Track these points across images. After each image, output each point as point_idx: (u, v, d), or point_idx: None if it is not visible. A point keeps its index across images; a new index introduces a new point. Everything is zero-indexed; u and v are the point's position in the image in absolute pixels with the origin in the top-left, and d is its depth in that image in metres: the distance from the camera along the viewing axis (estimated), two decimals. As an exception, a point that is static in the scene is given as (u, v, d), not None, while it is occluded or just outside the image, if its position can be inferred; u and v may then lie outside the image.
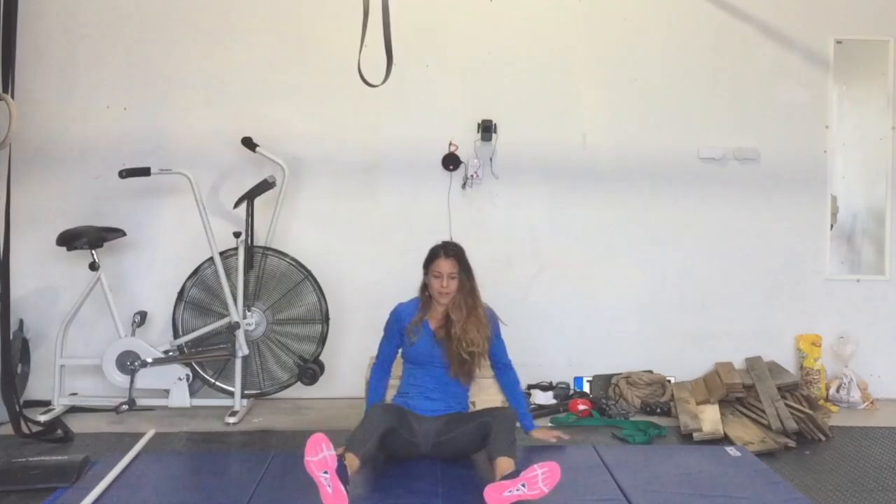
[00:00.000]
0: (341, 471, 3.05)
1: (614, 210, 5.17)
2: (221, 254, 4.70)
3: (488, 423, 3.49)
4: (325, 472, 3.00)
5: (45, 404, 4.62)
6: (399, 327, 3.84)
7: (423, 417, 3.67)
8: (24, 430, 4.12)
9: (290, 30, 5.01)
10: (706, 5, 5.14)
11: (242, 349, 4.63)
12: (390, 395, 3.92)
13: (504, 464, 3.27)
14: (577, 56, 5.15)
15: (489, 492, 3.08)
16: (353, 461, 3.22)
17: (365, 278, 5.03)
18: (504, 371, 3.98)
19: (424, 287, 3.87)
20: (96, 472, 3.48)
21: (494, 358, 3.96)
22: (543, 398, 4.86)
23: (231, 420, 4.48)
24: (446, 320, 3.79)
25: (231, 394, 4.67)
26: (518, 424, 3.76)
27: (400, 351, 3.90)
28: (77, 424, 4.37)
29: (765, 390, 4.55)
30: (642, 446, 4.17)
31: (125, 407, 4.50)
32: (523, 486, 3.08)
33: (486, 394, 4.06)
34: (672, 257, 5.20)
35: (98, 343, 4.78)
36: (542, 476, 3.08)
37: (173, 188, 4.86)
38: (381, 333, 3.92)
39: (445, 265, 3.77)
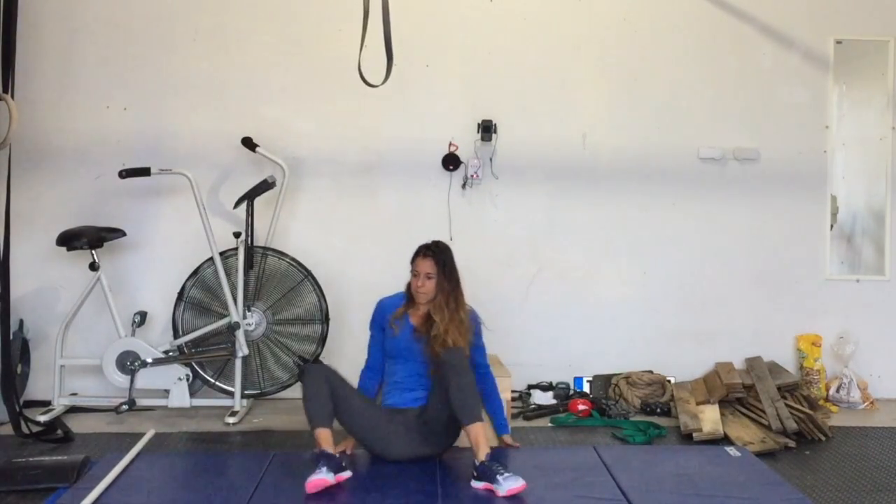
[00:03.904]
0: (334, 464, 3.37)
1: (614, 210, 5.18)
2: (221, 254, 4.70)
3: (449, 383, 3.50)
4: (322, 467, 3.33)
5: (45, 404, 4.62)
6: (382, 321, 3.86)
7: (404, 410, 3.69)
8: (24, 430, 4.12)
9: (290, 30, 5.01)
10: (706, 5, 5.14)
11: (242, 349, 4.63)
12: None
13: (475, 435, 3.39)
14: (577, 56, 5.15)
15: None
16: (326, 435, 3.47)
17: (365, 278, 5.03)
18: (482, 375, 3.91)
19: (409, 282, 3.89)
20: (96, 472, 3.48)
21: (472, 360, 3.86)
22: (543, 398, 4.86)
23: (231, 420, 4.48)
24: (427, 318, 3.78)
25: (231, 394, 4.67)
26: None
27: None
28: (77, 424, 4.37)
29: (765, 390, 4.55)
30: (642, 446, 4.17)
31: (125, 407, 4.49)
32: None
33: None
34: (672, 257, 5.20)
35: (98, 343, 4.78)
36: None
37: (173, 188, 4.86)
38: None
39: (423, 265, 3.78)
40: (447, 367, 3.52)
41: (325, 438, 3.46)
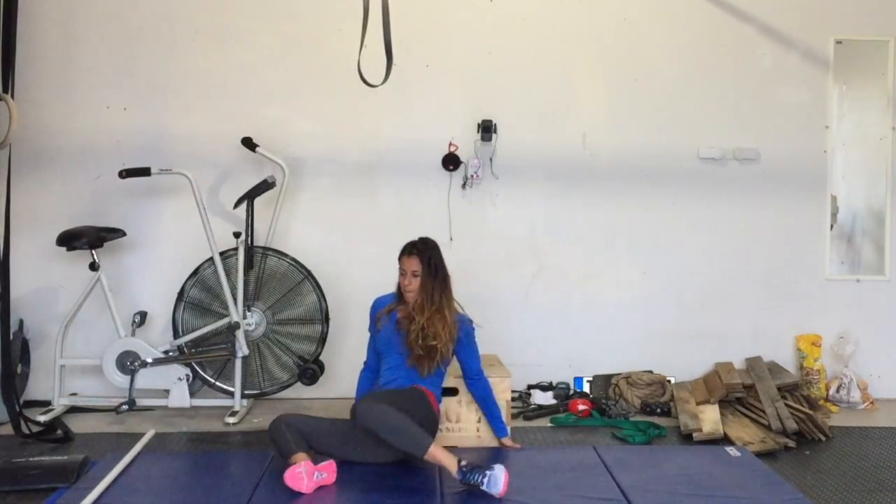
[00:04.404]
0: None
1: (614, 210, 5.18)
2: (221, 254, 4.70)
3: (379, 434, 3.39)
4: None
5: (45, 404, 4.62)
6: (375, 318, 3.87)
7: None
8: (24, 430, 4.12)
9: (290, 30, 5.02)
10: (706, 5, 5.14)
11: (242, 349, 4.63)
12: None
13: (435, 459, 3.30)
14: (577, 56, 5.15)
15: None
16: (301, 456, 3.38)
17: (365, 278, 5.01)
18: (475, 380, 3.91)
19: None
20: (96, 472, 3.48)
21: (465, 365, 3.90)
22: (543, 398, 4.86)
23: (231, 420, 4.48)
24: (412, 313, 3.77)
25: (231, 394, 4.67)
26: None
27: None
28: (77, 424, 4.37)
29: (765, 390, 4.55)
30: (642, 446, 4.17)
31: (125, 407, 4.50)
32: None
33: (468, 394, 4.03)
34: (672, 257, 5.20)
35: (98, 343, 4.78)
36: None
37: (173, 188, 4.86)
38: None
39: (408, 263, 3.76)
40: (367, 422, 3.36)
41: (300, 458, 3.39)
